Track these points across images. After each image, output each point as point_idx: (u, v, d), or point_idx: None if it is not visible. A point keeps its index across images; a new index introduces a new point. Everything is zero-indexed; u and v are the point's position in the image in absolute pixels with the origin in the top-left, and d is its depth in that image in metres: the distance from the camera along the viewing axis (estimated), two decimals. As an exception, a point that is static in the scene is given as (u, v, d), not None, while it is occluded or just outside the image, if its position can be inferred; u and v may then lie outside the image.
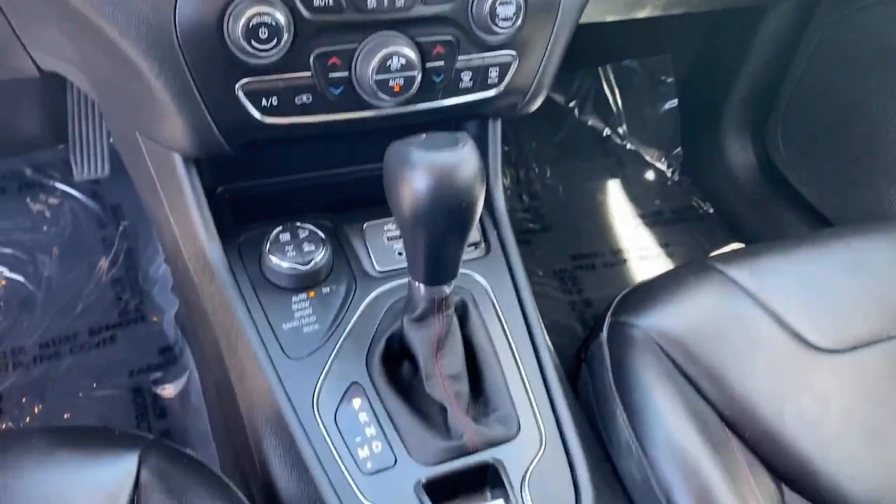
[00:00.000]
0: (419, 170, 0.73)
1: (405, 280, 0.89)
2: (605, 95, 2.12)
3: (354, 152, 1.10)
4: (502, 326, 0.99)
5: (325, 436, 0.87)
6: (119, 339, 1.52)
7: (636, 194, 2.06)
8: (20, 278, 1.57)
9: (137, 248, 1.64)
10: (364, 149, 1.07)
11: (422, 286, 0.84)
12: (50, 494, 0.75)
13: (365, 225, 1.05)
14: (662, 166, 2.11)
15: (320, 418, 0.88)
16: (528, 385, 0.95)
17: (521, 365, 0.97)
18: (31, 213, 1.66)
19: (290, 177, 1.09)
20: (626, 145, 2.13)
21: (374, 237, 1.04)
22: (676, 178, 2.10)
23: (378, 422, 0.89)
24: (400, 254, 1.03)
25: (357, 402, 0.90)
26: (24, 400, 1.43)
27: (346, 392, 0.90)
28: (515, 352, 0.97)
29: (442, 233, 0.78)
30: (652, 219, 2.01)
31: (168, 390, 1.45)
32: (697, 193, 2.07)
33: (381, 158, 0.76)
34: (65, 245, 1.63)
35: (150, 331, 1.54)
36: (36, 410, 1.42)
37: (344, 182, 1.11)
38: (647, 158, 2.12)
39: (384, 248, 1.04)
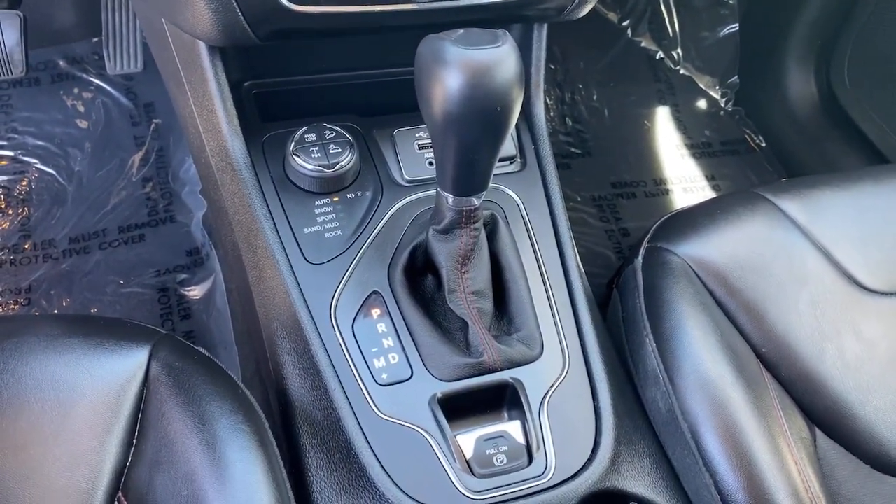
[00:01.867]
0: (453, 67, 0.68)
1: (434, 191, 0.85)
2: (662, 16, 2.01)
3: (388, 53, 1.05)
4: (532, 245, 0.96)
5: (342, 344, 0.85)
6: (147, 238, 1.52)
7: (685, 123, 1.97)
8: (52, 171, 1.57)
9: (168, 147, 1.62)
10: (398, 50, 1.01)
11: (450, 196, 0.81)
12: (59, 380, 0.74)
13: (395, 131, 1.01)
14: (716, 95, 2.01)
15: (337, 326, 0.86)
16: (554, 307, 0.92)
17: (549, 286, 0.93)
18: (64, 106, 1.65)
19: (320, 75, 1.04)
20: (679, 70, 2.03)
21: (405, 144, 1.00)
22: (730, 108, 2.00)
23: (396, 333, 0.86)
24: (430, 163, 0.99)
25: (376, 312, 0.87)
26: (52, 292, 1.44)
27: (365, 301, 0.88)
28: (544, 272, 0.94)
29: (473, 138, 0.74)
30: (700, 149, 1.93)
31: (193, 292, 1.45)
32: (750, 125, 1.98)
33: None
34: (97, 140, 1.61)
35: (178, 232, 1.53)
36: (63, 303, 1.43)
37: (376, 85, 1.07)
38: (701, 86, 2.02)
39: (414, 156, 0.99)
